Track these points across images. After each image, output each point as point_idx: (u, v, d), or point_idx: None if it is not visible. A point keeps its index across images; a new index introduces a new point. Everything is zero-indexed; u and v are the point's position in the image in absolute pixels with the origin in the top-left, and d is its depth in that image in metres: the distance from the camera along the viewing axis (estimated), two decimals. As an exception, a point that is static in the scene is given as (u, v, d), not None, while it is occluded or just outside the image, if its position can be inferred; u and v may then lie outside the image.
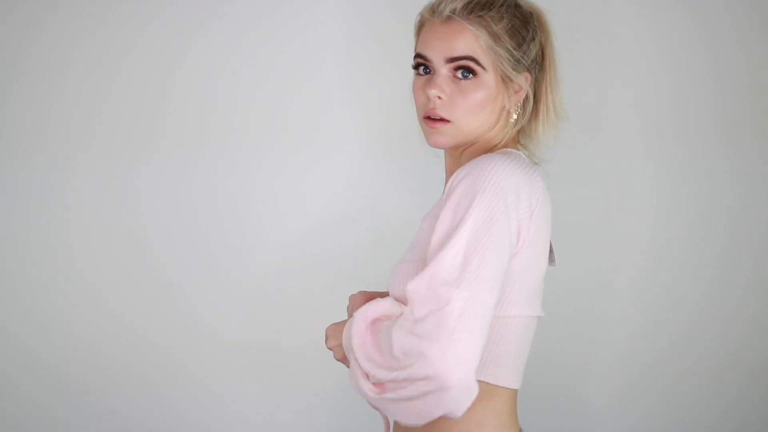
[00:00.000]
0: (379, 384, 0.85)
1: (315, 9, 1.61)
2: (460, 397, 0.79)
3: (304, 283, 1.67)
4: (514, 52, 0.95)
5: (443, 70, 0.96)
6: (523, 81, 0.98)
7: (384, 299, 0.92)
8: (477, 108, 0.95)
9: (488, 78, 0.95)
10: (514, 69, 0.96)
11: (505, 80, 0.96)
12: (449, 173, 1.05)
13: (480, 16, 0.94)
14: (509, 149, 1.00)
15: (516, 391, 0.97)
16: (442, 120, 0.96)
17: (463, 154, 1.02)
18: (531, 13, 0.99)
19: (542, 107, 1.01)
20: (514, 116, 0.99)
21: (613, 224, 1.66)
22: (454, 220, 0.85)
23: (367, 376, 0.86)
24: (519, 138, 1.04)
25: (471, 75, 0.95)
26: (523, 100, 1.00)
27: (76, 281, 1.67)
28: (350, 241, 1.66)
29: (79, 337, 1.68)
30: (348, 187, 1.66)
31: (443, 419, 0.83)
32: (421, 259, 0.91)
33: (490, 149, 1.00)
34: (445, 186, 1.02)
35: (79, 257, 1.67)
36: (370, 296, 1.06)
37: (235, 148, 1.65)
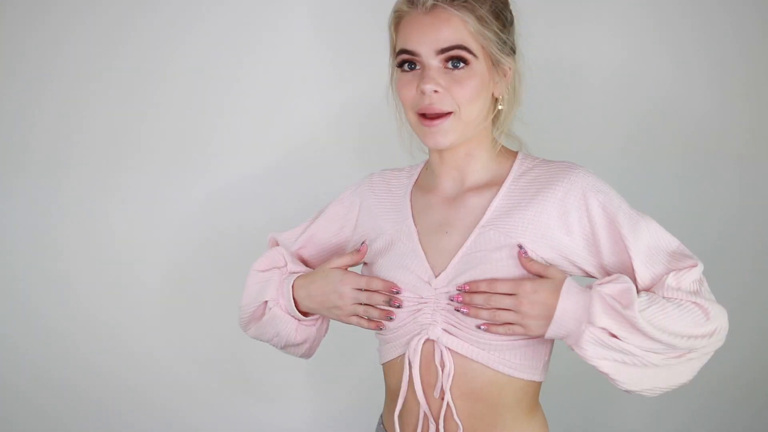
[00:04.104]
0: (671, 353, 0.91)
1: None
2: None
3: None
4: (500, 34, 0.93)
5: (434, 63, 0.92)
6: (511, 64, 0.96)
7: (625, 282, 0.90)
8: (474, 97, 0.93)
9: (479, 65, 0.93)
10: (501, 51, 0.94)
11: (494, 65, 0.95)
12: (445, 175, 1.02)
13: (465, 1, 0.91)
14: (527, 155, 1.04)
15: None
16: (440, 117, 0.93)
17: (471, 157, 1.00)
18: None
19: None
20: (500, 106, 0.97)
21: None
22: (630, 212, 0.95)
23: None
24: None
25: (463, 64, 0.92)
26: (510, 86, 0.98)
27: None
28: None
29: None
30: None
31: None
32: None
33: (492, 144, 1.00)
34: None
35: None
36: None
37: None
